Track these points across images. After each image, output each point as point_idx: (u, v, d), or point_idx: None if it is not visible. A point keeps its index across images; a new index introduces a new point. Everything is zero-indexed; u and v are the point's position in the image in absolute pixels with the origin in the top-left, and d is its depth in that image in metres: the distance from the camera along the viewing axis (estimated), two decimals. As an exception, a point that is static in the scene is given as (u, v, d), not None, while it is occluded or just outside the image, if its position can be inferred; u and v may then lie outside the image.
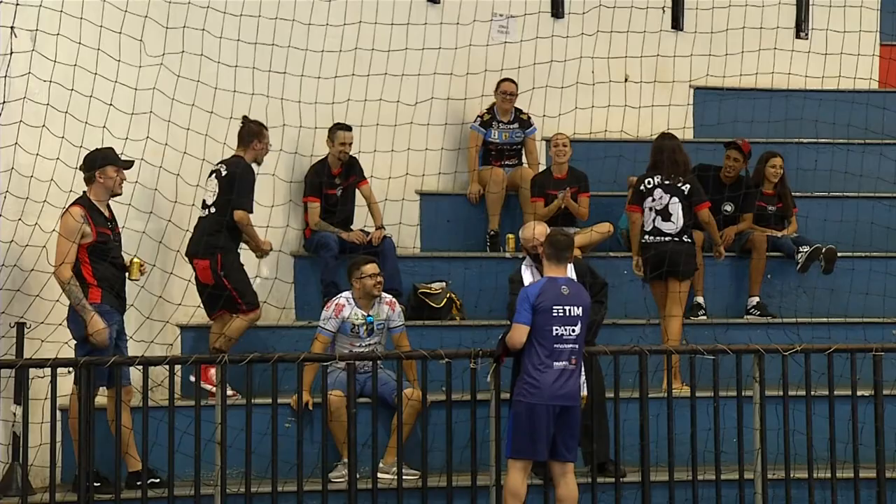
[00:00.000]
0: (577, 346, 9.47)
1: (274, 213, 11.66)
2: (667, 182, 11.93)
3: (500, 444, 9.74)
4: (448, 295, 12.49)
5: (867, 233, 13.13)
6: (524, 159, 13.78)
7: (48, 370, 9.29)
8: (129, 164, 10.30)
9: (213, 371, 10.40)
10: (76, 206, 9.96)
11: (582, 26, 13.04)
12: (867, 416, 10.16)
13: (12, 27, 9.91)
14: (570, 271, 9.91)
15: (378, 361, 9.98)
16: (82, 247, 9.90)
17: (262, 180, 11.66)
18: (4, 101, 9.89)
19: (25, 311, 10.05)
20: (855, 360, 10.19)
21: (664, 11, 13.89)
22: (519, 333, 9.46)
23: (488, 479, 9.86)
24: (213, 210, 11.24)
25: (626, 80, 13.33)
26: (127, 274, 10.21)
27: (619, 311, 11.71)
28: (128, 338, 10.30)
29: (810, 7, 14.61)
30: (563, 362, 9.41)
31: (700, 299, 12.72)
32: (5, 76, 9.92)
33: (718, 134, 14.00)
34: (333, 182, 12.63)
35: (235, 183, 11.14)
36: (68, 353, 9.97)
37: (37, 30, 10.04)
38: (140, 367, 9.50)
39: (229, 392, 9.90)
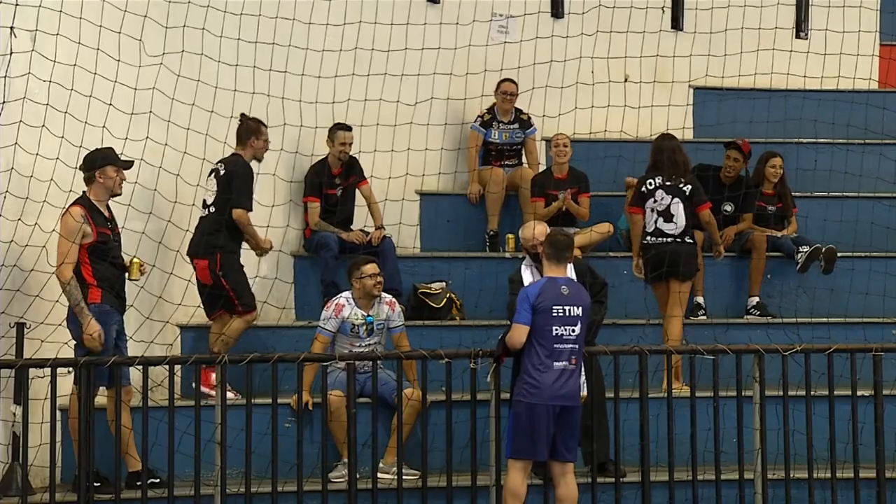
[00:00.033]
0: (577, 346, 9.47)
1: (274, 213, 11.67)
2: (668, 183, 11.93)
3: (500, 444, 9.74)
4: (448, 295, 12.49)
5: (867, 233, 13.13)
6: (524, 159, 13.78)
7: (48, 370, 9.28)
8: (128, 165, 10.30)
9: (213, 376, 10.39)
10: (76, 206, 9.96)
11: (582, 26, 13.04)
12: (867, 416, 10.15)
13: (12, 27, 9.91)
14: (570, 271, 9.90)
15: (378, 361, 9.98)
16: (82, 247, 9.90)
17: (263, 180, 11.66)
18: (4, 101, 9.90)
19: (25, 311, 10.06)
20: (855, 360, 10.19)
21: (664, 11, 13.86)
22: (519, 333, 9.46)
23: (488, 479, 9.86)
24: (212, 210, 11.24)
25: (625, 80, 13.34)
26: (127, 274, 10.22)
27: (619, 311, 11.72)
28: (128, 338, 10.30)
29: (810, 7, 14.59)
30: (563, 362, 9.41)
31: (700, 299, 12.72)
32: (5, 76, 9.92)
33: (718, 134, 14.00)
34: (333, 182, 12.63)
35: (234, 182, 11.14)
36: (68, 353, 9.96)
37: (36, 30, 10.04)
38: (140, 367, 9.50)
39: (229, 394, 9.91)
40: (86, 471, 9.38)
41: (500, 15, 13.87)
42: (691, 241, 11.97)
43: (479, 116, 13.63)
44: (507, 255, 12.98)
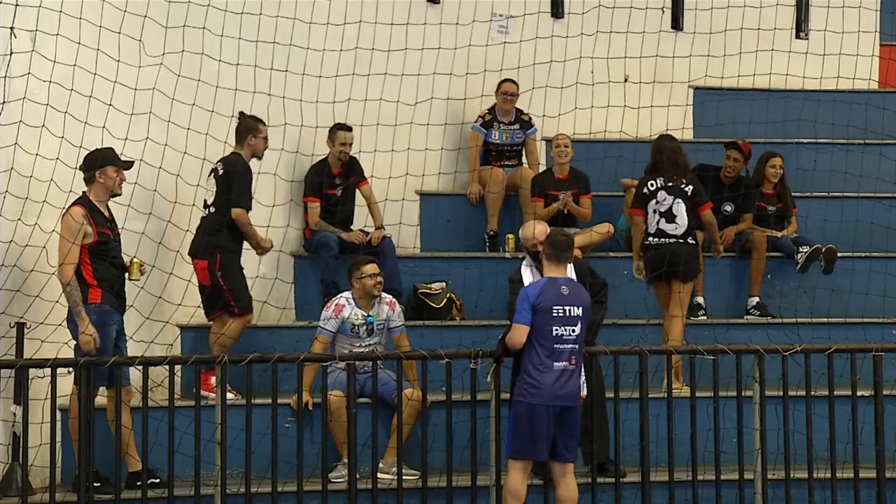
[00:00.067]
0: (577, 347, 9.47)
1: (274, 213, 11.66)
2: (670, 184, 11.92)
3: (500, 444, 9.74)
4: (448, 295, 12.49)
5: (867, 233, 13.13)
6: (524, 159, 13.78)
7: (48, 370, 9.29)
8: (129, 165, 10.30)
9: (213, 379, 10.39)
10: (77, 207, 9.96)
11: (582, 26, 13.04)
12: (867, 416, 10.15)
13: (12, 27, 9.91)
14: (570, 271, 9.90)
15: (378, 361, 9.98)
16: (83, 247, 9.90)
17: (263, 180, 11.66)
18: (4, 101, 9.90)
19: (25, 312, 10.06)
20: (855, 360, 10.18)
21: (664, 12, 13.88)
22: (519, 333, 9.45)
23: (488, 480, 9.86)
24: (212, 210, 11.24)
25: (625, 80, 13.35)
26: (127, 274, 10.22)
27: (619, 312, 11.71)
28: (128, 338, 10.30)
29: (809, 7, 14.60)
30: (564, 362, 9.41)
31: (700, 299, 12.72)
32: (5, 76, 9.92)
33: (718, 134, 14.00)
34: (333, 182, 12.63)
35: (232, 181, 11.13)
36: (68, 353, 9.96)
37: (36, 30, 10.04)
38: (140, 367, 9.50)
39: (229, 395, 9.91)
40: (86, 471, 9.37)
41: (500, 15, 13.87)
42: (694, 241, 11.96)
43: (479, 117, 13.63)
44: (507, 255, 12.98)
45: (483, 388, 9.88)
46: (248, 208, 11.22)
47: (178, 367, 10.01)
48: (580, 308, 9.48)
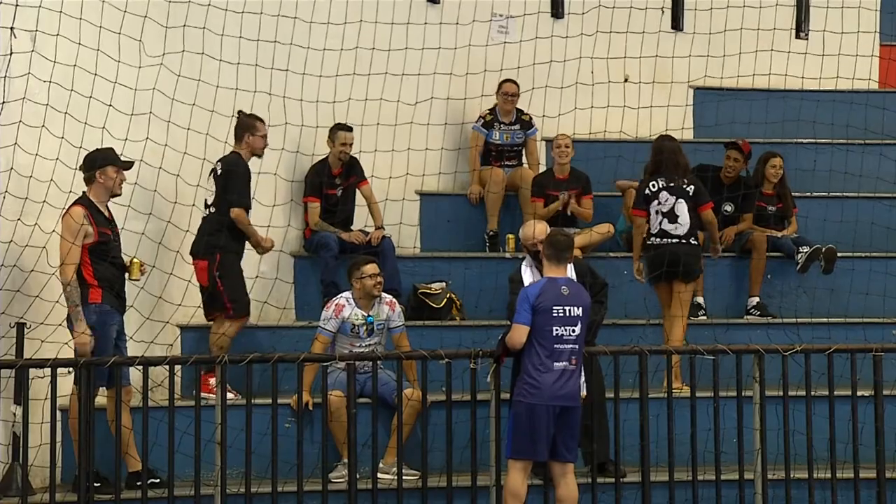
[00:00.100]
0: (577, 347, 9.47)
1: (275, 213, 11.67)
2: (671, 184, 11.92)
3: (500, 444, 9.74)
4: (448, 295, 12.49)
5: (867, 233, 13.13)
6: (524, 160, 13.78)
7: (48, 370, 9.29)
8: (129, 165, 10.30)
9: (213, 381, 10.39)
10: (77, 207, 9.96)
11: (582, 26, 13.04)
12: (867, 417, 10.15)
13: (12, 28, 9.91)
14: (570, 271, 9.90)
15: (378, 361, 9.98)
16: (83, 247, 9.90)
17: (263, 180, 11.66)
18: (4, 101, 9.89)
19: (25, 312, 10.05)
20: (855, 361, 10.18)
21: (663, 12, 13.89)
22: (519, 334, 9.45)
23: (488, 480, 9.86)
24: (212, 210, 11.24)
25: (625, 80, 13.35)
26: (127, 274, 10.21)
27: (619, 312, 11.71)
28: (128, 338, 10.30)
29: (809, 7, 14.60)
30: (564, 363, 9.41)
31: (700, 299, 12.72)
32: (5, 76, 9.92)
33: (718, 134, 14.00)
34: (334, 182, 12.63)
35: (230, 181, 11.13)
36: (68, 353, 9.96)
37: (36, 30, 10.04)
38: (140, 367, 9.50)
39: (230, 395, 9.90)
40: (86, 471, 9.37)
41: (500, 15, 13.87)
42: (696, 242, 11.95)
43: (480, 117, 13.63)
44: (507, 255, 12.99)
45: (483, 389, 9.87)
46: (248, 208, 11.22)
47: (178, 368, 10.02)
48: (580, 308, 9.48)
